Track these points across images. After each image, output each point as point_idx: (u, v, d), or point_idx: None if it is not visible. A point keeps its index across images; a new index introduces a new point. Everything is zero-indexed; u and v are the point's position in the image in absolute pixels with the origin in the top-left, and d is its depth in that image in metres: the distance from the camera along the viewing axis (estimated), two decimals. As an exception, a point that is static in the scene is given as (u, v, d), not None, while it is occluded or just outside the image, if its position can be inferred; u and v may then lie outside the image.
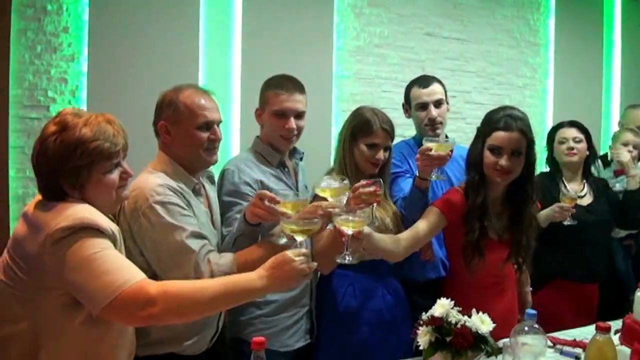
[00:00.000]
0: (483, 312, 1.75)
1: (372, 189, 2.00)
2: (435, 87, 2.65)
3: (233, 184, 2.15)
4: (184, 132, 1.93)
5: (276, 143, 2.28)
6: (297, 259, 1.54)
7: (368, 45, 3.81)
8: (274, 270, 1.53)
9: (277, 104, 2.22)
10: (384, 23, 3.86)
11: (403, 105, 2.77)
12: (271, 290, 1.59)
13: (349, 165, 2.33)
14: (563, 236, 2.76)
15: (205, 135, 1.94)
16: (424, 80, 2.68)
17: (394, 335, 2.29)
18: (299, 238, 1.66)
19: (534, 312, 1.72)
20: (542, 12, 4.55)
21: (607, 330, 1.71)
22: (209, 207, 2.10)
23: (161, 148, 2.00)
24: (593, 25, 4.82)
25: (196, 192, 2.00)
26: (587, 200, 2.86)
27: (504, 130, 2.14)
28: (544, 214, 2.69)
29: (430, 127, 2.61)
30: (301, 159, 2.47)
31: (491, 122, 2.20)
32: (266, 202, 1.84)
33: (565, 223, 2.69)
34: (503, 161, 2.12)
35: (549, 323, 2.17)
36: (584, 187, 2.92)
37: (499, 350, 1.77)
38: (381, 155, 2.30)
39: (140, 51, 3.11)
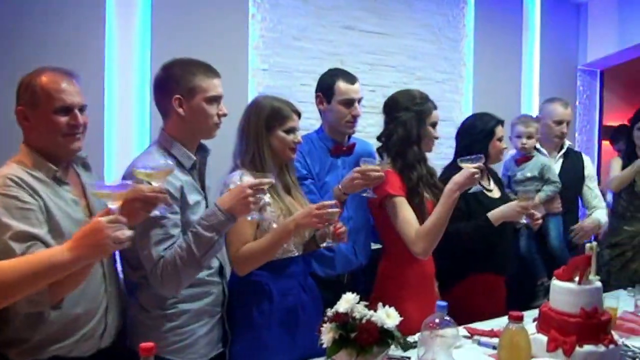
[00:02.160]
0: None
1: (336, 210, 2.09)
2: (359, 84, 2.67)
3: None
4: (42, 117, 1.80)
5: (206, 133, 2.11)
6: (110, 225, 1.46)
7: (285, 37, 3.71)
8: (83, 240, 1.48)
9: (213, 89, 2.06)
10: (302, 15, 3.77)
11: (318, 95, 2.68)
12: (81, 262, 1.51)
13: (266, 158, 2.24)
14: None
15: (63, 119, 1.81)
16: (350, 77, 2.65)
17: (310, 333, 2.20)
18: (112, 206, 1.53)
19: (444, 303, 1.68)
20: (461, 8, 4.58)
21: (520, 319, 1.71)
22: (84, 195, 1.94)
23: (23, 140, 1.86)
24: (513, 21, 4.90)
25: (59, 180, 1.84)
26: (496, 193, 2.86)
27: (436, 109, 2.55)
28: (500, 213, 2.64)
29: (351, 124, 2.63)
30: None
31: (424, 103, 2.52)
32: None
33: (522, 221, 2.71)
34: (436, 134, 2.55)
35: (467, 315, 2.34)
36: (490, 182, 2.93)
37: (412, 345, 1.71)
38: (299, 138, 2.30)
39: (41, 44, 2.90)
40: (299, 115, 2.32)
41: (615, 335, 1.96)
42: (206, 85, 2.05)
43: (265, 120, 2.24)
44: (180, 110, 2.04)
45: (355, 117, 2.62)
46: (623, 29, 4.98)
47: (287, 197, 2.31)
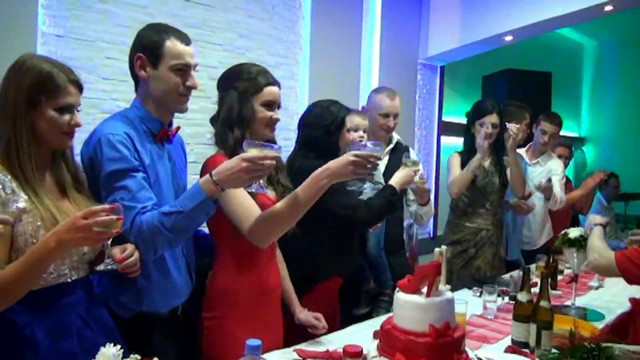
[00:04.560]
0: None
1: (113, 216, 1.54)
2: (193, 47, 2.08)
3: None
4: None
5: None
6: None
7: (87, -2, 3.04)
8: None
9: None
10: (106, -27, 3.12)
11: (139, 57, 1.98)
12: None
13: (24, 145, 1.61)
14: (329, 235, 2.53)
15: None
16: (184, 36, 2.04)
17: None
18: None
19: (257, 343, 1.24)
20: (298, -13, 4.20)
21: (358, 355, 1.47)
22: None
23: None
24: (353, 8, 4.66)
25: None
26: None
27: (273, 84, 2.17)
28: (400, 179, 2.66)
29: (184, 98, 2.05)
30: None
31: (253, 79, 2.15)
32: None
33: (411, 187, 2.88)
34: (275, 115, 2.17)
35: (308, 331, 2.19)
36: None
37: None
38: (77, 119, 1.70)
39: None
40: (79, 87, 1.71)
41: (470, 351, 1.75)
42: None
43: (28, 91, 1.61)
44: None
45: (189, 89, 2.02)
46: (464, 26, 5.01)
47: (59, 201, 1.69)
